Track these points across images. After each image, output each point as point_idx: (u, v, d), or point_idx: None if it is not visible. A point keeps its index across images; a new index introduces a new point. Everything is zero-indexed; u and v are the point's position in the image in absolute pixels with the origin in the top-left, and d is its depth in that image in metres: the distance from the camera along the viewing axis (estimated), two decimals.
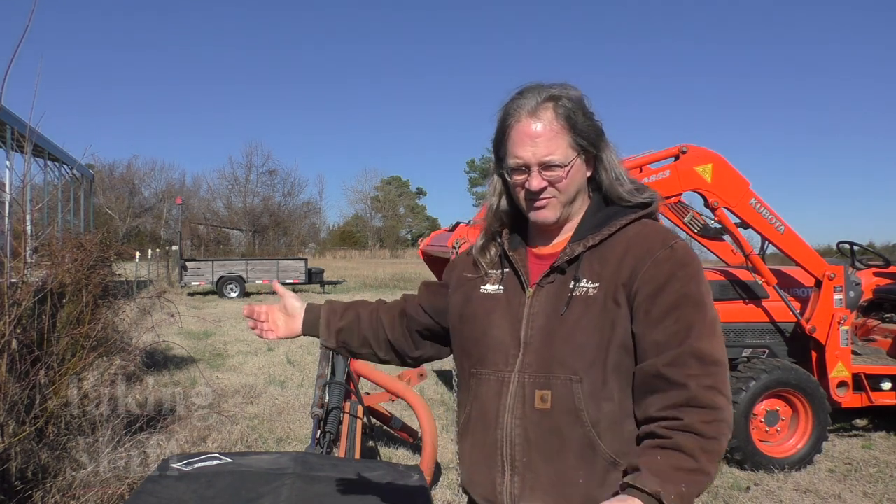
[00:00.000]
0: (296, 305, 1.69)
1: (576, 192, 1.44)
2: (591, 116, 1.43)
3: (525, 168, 1.41)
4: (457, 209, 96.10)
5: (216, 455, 2.13)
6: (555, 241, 1.49)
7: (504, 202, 1.53)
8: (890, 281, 6.40)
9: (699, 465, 1.23)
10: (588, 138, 1.41)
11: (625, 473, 1.29)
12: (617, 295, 1.35)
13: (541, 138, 1.38)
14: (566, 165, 1.39)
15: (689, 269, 1.35)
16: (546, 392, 1.36)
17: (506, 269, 1.51)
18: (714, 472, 1.26)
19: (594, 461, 1.33)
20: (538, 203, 1.43)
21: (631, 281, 1.35)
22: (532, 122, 1.39)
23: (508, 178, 1.45)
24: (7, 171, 11.98)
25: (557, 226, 1.47)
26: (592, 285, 1.37)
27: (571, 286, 1.39)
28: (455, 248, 4.72)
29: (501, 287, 1.49)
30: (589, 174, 1.46)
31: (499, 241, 1.54)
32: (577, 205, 1.47)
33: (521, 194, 1.44)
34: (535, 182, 1.40)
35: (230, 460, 2.12)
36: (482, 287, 1.52)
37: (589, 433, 1.33)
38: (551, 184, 1.40)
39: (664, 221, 6.50)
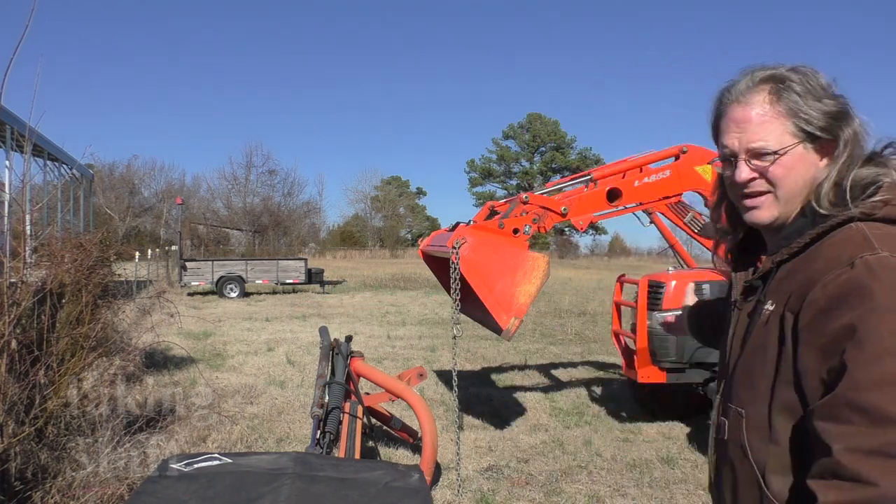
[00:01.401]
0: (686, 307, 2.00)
1: (800, 188, 1.21)
2: (825, 98, 1.19)
3: (732, 158, 1.24)
4: (457, 209, 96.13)
5: (216, 455, 2.13)
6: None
7: (725, 199, 1.36)
8: None
9: None
10: (816, 122, 1.17)
11: None
12: (785, 322, 1.14)
13: (749, 123, 1.20)
14: (780, 152, 1.19)
15: (863, 293, 1.04)
16: (724, 421, 1.28)
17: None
18: None
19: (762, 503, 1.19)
20: (749, 200, 1.24)
21: (798, 305, 1.12)
22: (741, 107, 1.22)
23: (722, 173, 1.30)
24: (7, 171, 11.99)
25: (779, 229, 1.26)
26: (771, 307, 1.19)
27: (756, 308, 1.24)
28: (455, 248, 4.71)
29: (733, 299, 1.38)
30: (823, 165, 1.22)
31: (732, 249, 1.41)
32: (794, 209, 1.24)
33: (733, 190, 1.27)
34: (740, 172, 1.22)
35: (230, 460, 2.11)
36: (732, 300, 1.40)
37: (754, 472, 1.18)
38: (762, 175, 1.21)
39: (663, 221, 6.53)
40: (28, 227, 4.53)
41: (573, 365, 9.30)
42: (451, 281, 4.70)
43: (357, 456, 3.79)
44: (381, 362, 9.14)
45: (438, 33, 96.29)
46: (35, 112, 3.98)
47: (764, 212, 1.23)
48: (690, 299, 2.03)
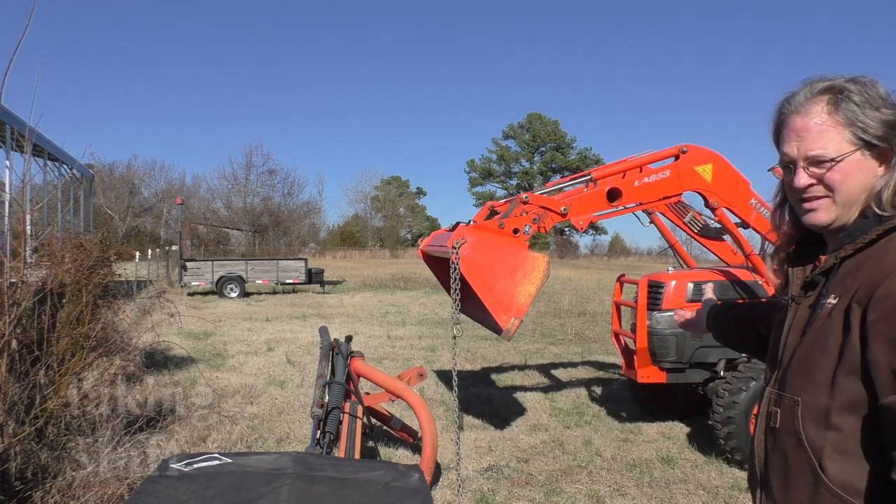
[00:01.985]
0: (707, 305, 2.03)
1: (858, 192, 1.28)
2: (883, 108, 1.26)
3: (791, 165, 1.32)
4: (457, 209, 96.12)
5: (216, 455, 2.13)
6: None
7: (786, 202, 1.44)
8: None
9: None
10: (872, 131, 1.25)
11: None
12: (850, 314, 1.19)
13: (809, 133, 1.28)
14: (836, 159, 1.26)
15: None
16: (777, 410, 1.33)
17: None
18: None
19: (817, 490, 1.22)
20: (808, 204, 1.32)
21: (867, 298, 1.17)
22: (800, 117, 1.30)
23: (783, 180, 1.39)
24: (7, 171, 12.00)
25: (837, 232, 1.33)
26: (834, 301, 1.24)
27: (818, 302, 1.29)
28: (455, 248, 4.72)
29: (786, 297, 1.44)
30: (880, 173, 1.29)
31: (788, 247, 1.47)
32: (859, 210, 1.30)
33: (793, 195, 1.35)
34: (799, 178, 1.30)
35: (230, 460, 2.11)
36: (783, 298, 1.47)
37: (810, 459, 1.23)
38: (820, 181, 1.29)
39: (663, 221, 6.53)
40: (28, 227, 4.53)
41: (573, 365, 9.30)
42: (451, 281, 4.70)
43: (357, 456, 3.79)
44: (381, 362, 9.14)
45: (439, 33, 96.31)
46: (35, 112, 3.99)
47: (821, 214, 1.31)
48: (711, 297, 2.05)
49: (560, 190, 5.68)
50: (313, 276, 21.83)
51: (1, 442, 3.42)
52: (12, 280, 3.88)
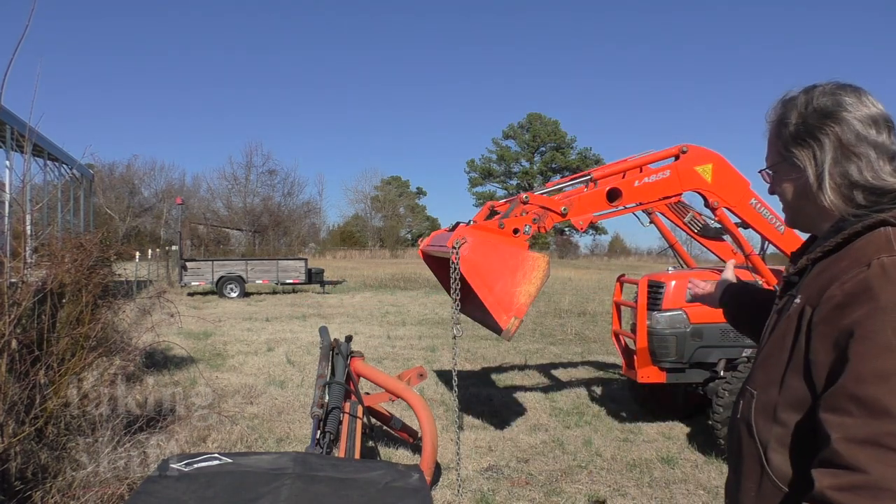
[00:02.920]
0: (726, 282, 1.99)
1: (797, 200, 1.38)
2: (803, 117, 1.32)
3: None
4: (457, 209, 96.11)
5: (216, 455, 2.13)
6: None
7: None
8: None
9: None
10: (786, 144, 1.35)
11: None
12: (803, 315, 1.24)
13: (768, 144, 1.43)
14: (770, 170, 1.41)
15: (873, 292, 1.12)
16: (740, 401, 1.40)
17: None
18: None
19: (762, 480, 1.29)
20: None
21: (817, 299, 1.21)
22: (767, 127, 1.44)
23: None
24: (7, 171, 12.00)
25: (814, 233, 1.42)
26: (798, 301, 1.29)
27: (789, 302, 1.34)
28: (455, 248, 4.72)
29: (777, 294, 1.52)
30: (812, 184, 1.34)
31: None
32: (813, 212, 1.35)
33: None
34: (767, 181, 1.44)
35: (230, 460, 2.11)
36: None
37: (758, 449, 1.30)
38: (773, 190, 1.43)
39: (663, 221, 6.53)
40: (28, 227, 4.54)
41: (573, 365, 9.30)
42: (451, 281, 4.70)
43: (357, 456, 3.79)
44: (381, 362, 9.14)
45: (439, 33, 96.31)
46: (35, 112, 3.99)
47: (787, 217, 1.44)
48: (731, 275, 2.05)
49: (560, 190, 5.68)
50: (313, 276, 21.82)
51: (1, 442, 3.42)
52: (12, 280, 3.88)
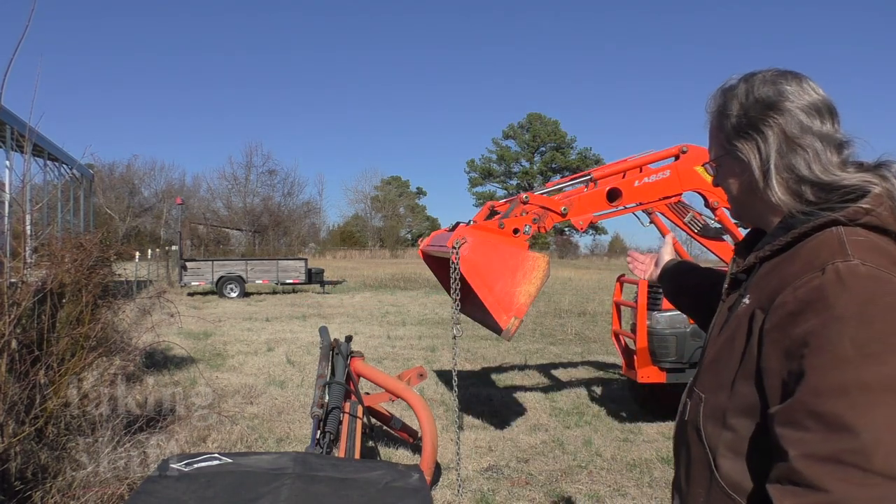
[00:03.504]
0: (664, 258, 1.96)
1: (742, 194, 1.32)
2: (745, 108, 1.26)
3: None
4: (457, 209, 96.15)
5: (216, 455, 2.13)
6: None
7: None
8: None
9: None
10: (728, 136, 1.29)
11: None
12: (754, 319, 1.17)
13: (709, 138, 1.38)
14: (714, 164, 1.36)
15: (827, 301, 1.04)
16: (688, 402, 1.35)
17: None
18: None
19: (711, 486, 1.23)
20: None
21: (769, 304, 1.14)
22: (709, 119, 1.37)
23: None
24: (7, 171, 12.00)
25: (760, 228, 1.37)
26: (748, 302, 1.23)
27: (737, 301, 1.28)
28: (455, 248, 4.71)
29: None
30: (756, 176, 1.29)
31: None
32: (760, 207, 1.29)
33: None
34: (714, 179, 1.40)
35: (230, 460, 2.11)
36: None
37: (707, 455, 1.24)
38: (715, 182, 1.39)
39: (663, 221, 6.53)
40: (28, 227, 4.53)
41: (573, 365, 9.30)
42: (451, 281, 4.70)
43: (357, 456, 3.79)
44: (381, 362, 9.14)
45: (439, 33, 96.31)
46: (35, 112, 3.99)
47: (732, 213, 1.39)
48: (669, 251, 1.99)
49: (560, 190, 5.68)
50: (313, 276, 21.82)
51: (1, 442, 3.42)
52: (12, 280, 3.88)
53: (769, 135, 1.22)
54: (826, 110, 1.22)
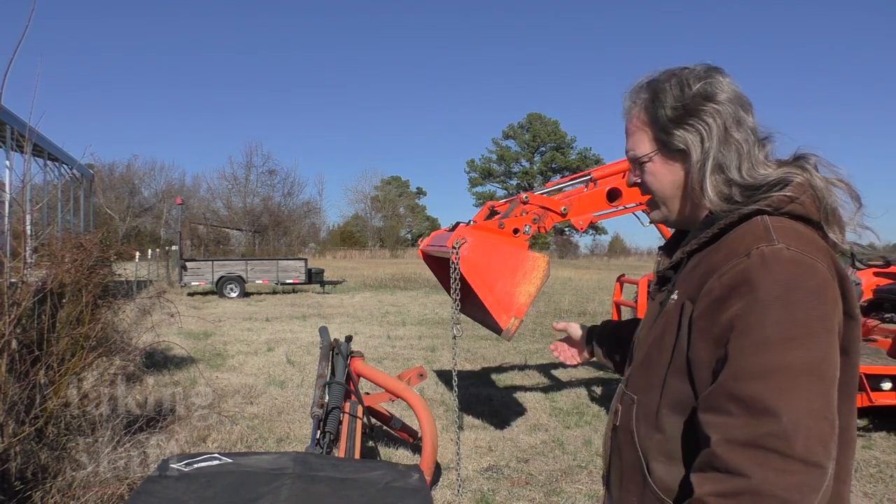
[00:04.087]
0: (578, 332, 1.85)
1: (672, 191, 1.28)
2: (682, 100, 1.22)
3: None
4: (457, 209, 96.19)
5: (216, 455, 2.13)
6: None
7: None
8: (890, 281, 6.40)
9: None
10: (664, 128, 1.23)
11: None
12: (683, 311, 1.16)
13: (629, 134, 1.32)
14: (643, 160, 1.29)
15: (752, 284, 1.04)
16: (619, 407, 1.31)
17: None
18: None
19: (644, 492, 1.21)
20: (647, 202, 1.35)
21: (696, 294, 1.13)
22: (628, 116, 1.32)
23: None
24: (7, 171, 11.99)
25: (684, 229, 1.34)
26: (676, 297, 1.22)
27: (667, 298, 1.26)
28: (455, 248, 4.71)
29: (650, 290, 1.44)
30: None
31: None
32: (689, 206, 1.28)
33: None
34: (630, 177, 1.35)
35: (230, 460, 2.11)
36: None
37: (640, 459, 1.21)
38: (643, 183, 1.32)
39: None
40: (28, 227, 4.53)
41: (573, 365, 9.28)
42: (451, 281, 4.70)
43: (357, 456, 3.79)
44: (381, 362, 9.14)
45: (439, 33, 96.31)
46: (35, 112, 3.99)
47: (654, 213, 1.33)
48: (574, 328, 1.89)
49: (560, 190, 5.68)
50: (313, 276, 21.82)
51: (1, 442, 3.42)
52: (12, 280, 3.87)
53: (712, 125, 1.19)
54: (748, 105, 1.24)
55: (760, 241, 1.08)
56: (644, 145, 1.28)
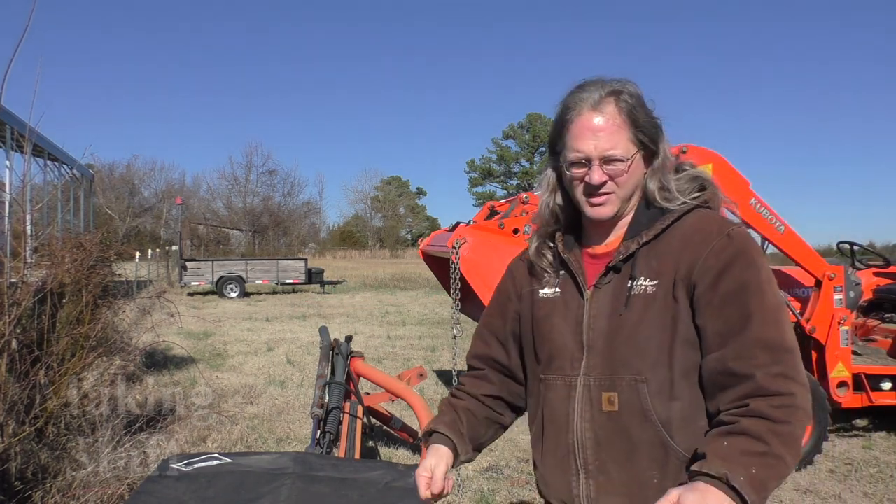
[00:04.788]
0: (437, 465, 1.45)
1: (634, 188, 1.41)
2: (651, 113, 1.40)
3: (586, 161, 1.37)
4: (457, 209, 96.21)
5: (216, 455, 2.13)
6: (608, 240, 1.46)
7: (559, 198, 1.50)
8: (890, 281, 6.39)
9: (769, 449, 1.16)
10: (648, 134, 1.38)
11: (692, 462, 1.23)
12: (676, 290, 1.32)
13: (603, 132, 1.35)
14: (627, 160, 1.36)
15: (747, 256, 1.30)
16: (612, 394, 1.35)
17: (561, 272, 1.49)
18: (791, 458, 1.19)
19: (667, 461, 1.31)
20: (597, 199, 1.39)
21: (689, 274, 1.31)
22: (594, 115, 1.36)
23: (567, 172, 1.41)
24: (7, 171, 11.99)
25: (612, 223, 1.44)
26: (651, 283, 1.34)
27: (629, 285, 1.36)
28: (455, 248, 4.71)
29: (558, 290, 1.47)
30: (645, 172, 1.42)
31: (553, 243, 1.54)
32: (632, 202, 1.43)
33: (580, 189, 1.41)
34: (597, 175, 1.36)
35: (230, 460, 2.11)
36: (540, 291, 1.51)
37: (659, 433, 1.31)
38: (612, 178, 1.37)
39: None
40: (28, 227, 4.53)
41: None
42: (451, 281, 4.70)
43: (357, 456, 3.79)
44: (381, 362, 9.14)
45: (439, 33, 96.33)
46: (35, 112, 3.99)
47: (608, 209, 1.40)
48: (434, 460, 1.46)
49: None
50: (313, 276, 21.84)
51: (1, 442, 3.42)
52: (12, 280, 3.87)
53: (664, 136, 1.42)
54: None
55: (728, 226, 1.35)
56: (625, 145, 1.36)
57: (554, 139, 1.45)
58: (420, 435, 1.54)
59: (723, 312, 1.28)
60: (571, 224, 1.52)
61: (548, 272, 1.51)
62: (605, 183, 1.37)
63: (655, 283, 1.34)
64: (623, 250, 1.39)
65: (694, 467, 1.18)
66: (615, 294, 1.38)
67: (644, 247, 1.38)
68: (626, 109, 1.36)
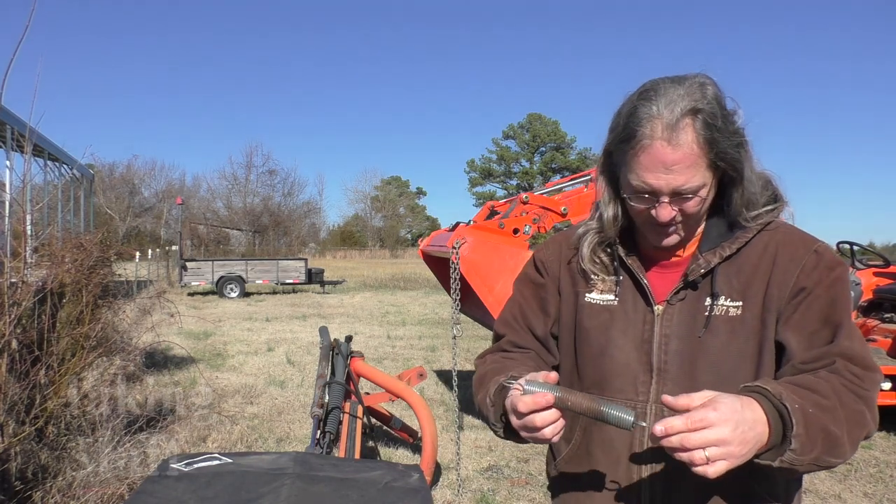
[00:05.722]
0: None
1: (705, 213, 1.27)
2: (733, 125, 1.18)
3: (653, 195, 1.19)
4: (457, 209, 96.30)
5: (216, 455, 2.13)
6: (678, 250, 1.30)
7: (619, 208, 1.31)
8: (890, 281, 6.40)
9: (833, 404, 1.07)
10: (730, 161, 1.18)
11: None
12: (766, 314, 1.21)
13: (678, 165, 1.14)
14: (699, 191, 1.18)
15: (835, 272, 1.23)
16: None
17: (621, 278, 1.32)
18: (848, 441, 1.09)
19: (750, 482, 1.20)
20: (665, 233, 1.24)
21: (780, 296, 1.21)
22: (670, 147, 1.14)
23: (629, 202, 1.24)
24: (7, 171, 11.99)
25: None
26: (734, 304, 1.22)
27: (708, 304, 1.23)
28: (455, 248, 4.72)
29: (616, 298, 1.31)
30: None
31: (610, 247, 1.35)
32: (696, 226, 1.30)
33: (643, 217, 1.25)
34: (665, 213, 1.20)
35: (230, 460, 2.11)
36: (587, 296, 1.34)
37: (740, 475, 1.09)
38: (683, 212, 1.21)
39: None
40: (28, 227, 4.53)
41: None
42: (451, 281, 4.70)
43: (357, 456, 3.79)
44: (381, 362, 9.14)
45: (439, 33, 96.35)
46: (35, 112, 3.98)
47: (675, 238, 1.26)
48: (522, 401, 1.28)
49: (560, 190, 5.68)
50: (313, 276, 21.83)
51: (1, 442, 3.42)
52: (12, 280, 3.87)
53: (748, 152, 1.23)
54: None
55: (813, 242, 1.26)
56: (702, 174, 1.17)
57: (613, 146, 1.25)
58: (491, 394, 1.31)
59: (810, 328, 1.20)
60: (628, 225, 1.34)
61: (598, 276, 1.34)
62: (673, 218, 1.21)
63: (739, 304, 1.22)
64: (704, 264, 1.25)
65: (747, 384, 1.10)
66: (691, 313, 1.24)
67: (725, 262, 1.25)
68: (705, 133, 1.14)
